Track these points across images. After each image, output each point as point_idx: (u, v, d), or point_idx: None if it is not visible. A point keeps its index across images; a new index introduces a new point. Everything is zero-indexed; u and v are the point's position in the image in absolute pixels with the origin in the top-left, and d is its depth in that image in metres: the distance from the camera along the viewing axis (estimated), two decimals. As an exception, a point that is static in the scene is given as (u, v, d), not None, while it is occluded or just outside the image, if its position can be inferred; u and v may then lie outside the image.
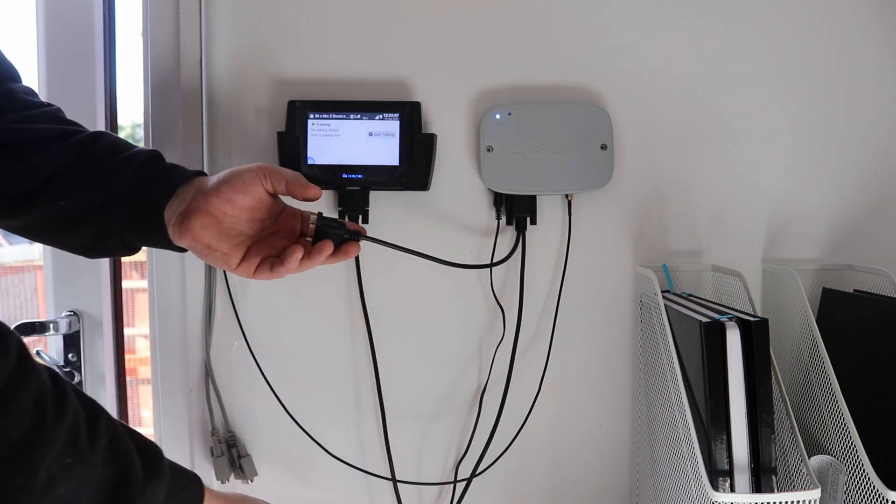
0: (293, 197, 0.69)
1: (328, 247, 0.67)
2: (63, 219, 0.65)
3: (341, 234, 0.69)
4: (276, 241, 0.69)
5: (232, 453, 0.96)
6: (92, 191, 0.65)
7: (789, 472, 0.75)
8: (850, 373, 0.78)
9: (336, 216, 0.94)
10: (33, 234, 0.69)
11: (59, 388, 0.48)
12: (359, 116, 0.91)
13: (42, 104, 0.69)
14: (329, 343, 0.97)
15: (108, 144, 0.67)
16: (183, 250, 0.68)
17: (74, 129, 0.68)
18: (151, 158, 0.68)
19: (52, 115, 0.69)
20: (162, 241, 0.67)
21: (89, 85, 0.95)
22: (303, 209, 0.73)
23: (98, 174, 0.65)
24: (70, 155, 0.65)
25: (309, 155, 0.91)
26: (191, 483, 0.57)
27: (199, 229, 0.64)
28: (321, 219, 0.69)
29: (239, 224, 0.67)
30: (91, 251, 0.68)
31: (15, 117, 0.65)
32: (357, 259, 0.94)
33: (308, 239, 0.70)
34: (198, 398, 0.96)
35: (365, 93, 0.94)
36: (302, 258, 0.66)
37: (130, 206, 0.65)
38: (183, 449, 0.97)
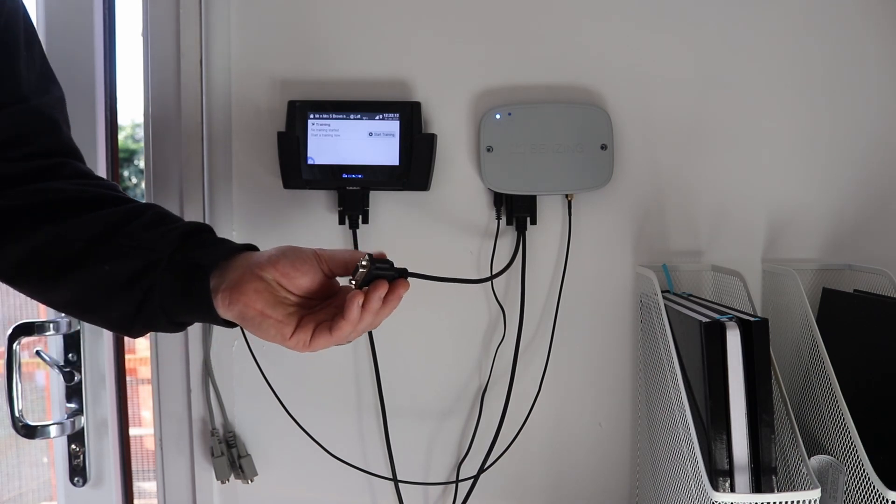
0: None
1: (383, 286, 0.61)
2: (107, 285, 0.63)
3: (392, 274, 0.62)
4: (330, 310, 0.64)
5: (232, 453, 0.96)
6: (137, 255, 0.63)
7: (789, 472, 0.75)
8: (850, 373, 0.78)
9: (337, 218, 0.94)
10: (77, 306, 0.68)
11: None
12: (359, 116, 0.91)
13: (101, 178, 0.71)
14: (329, 343, 0.97)
15: (157, 213, 0.67)
16: (228, 324, 0.64)
17: (128, 197, 0.69)
18: (201, 229, 0.67)
19: (110, 184, 0.70)
20: (206, 310, 0.63)
21: (89, 85, 0.95)
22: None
23: (144, 239, 0.64)
24: (120, 216, 0.65)
25: (309, 155, 0.91)
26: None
27: (253, 294, 0.61)
28: (373, 262, 0.60)
29: (291, 297, 0.64)
30: (135, 324, 0.65)
31: (76, 182, 0.67)
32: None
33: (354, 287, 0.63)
34: (198, 398, 0.96)
35: (365, 93, 0.94)
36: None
37: (174, 271, 0.63)
38: (183, 449, 0.97)
